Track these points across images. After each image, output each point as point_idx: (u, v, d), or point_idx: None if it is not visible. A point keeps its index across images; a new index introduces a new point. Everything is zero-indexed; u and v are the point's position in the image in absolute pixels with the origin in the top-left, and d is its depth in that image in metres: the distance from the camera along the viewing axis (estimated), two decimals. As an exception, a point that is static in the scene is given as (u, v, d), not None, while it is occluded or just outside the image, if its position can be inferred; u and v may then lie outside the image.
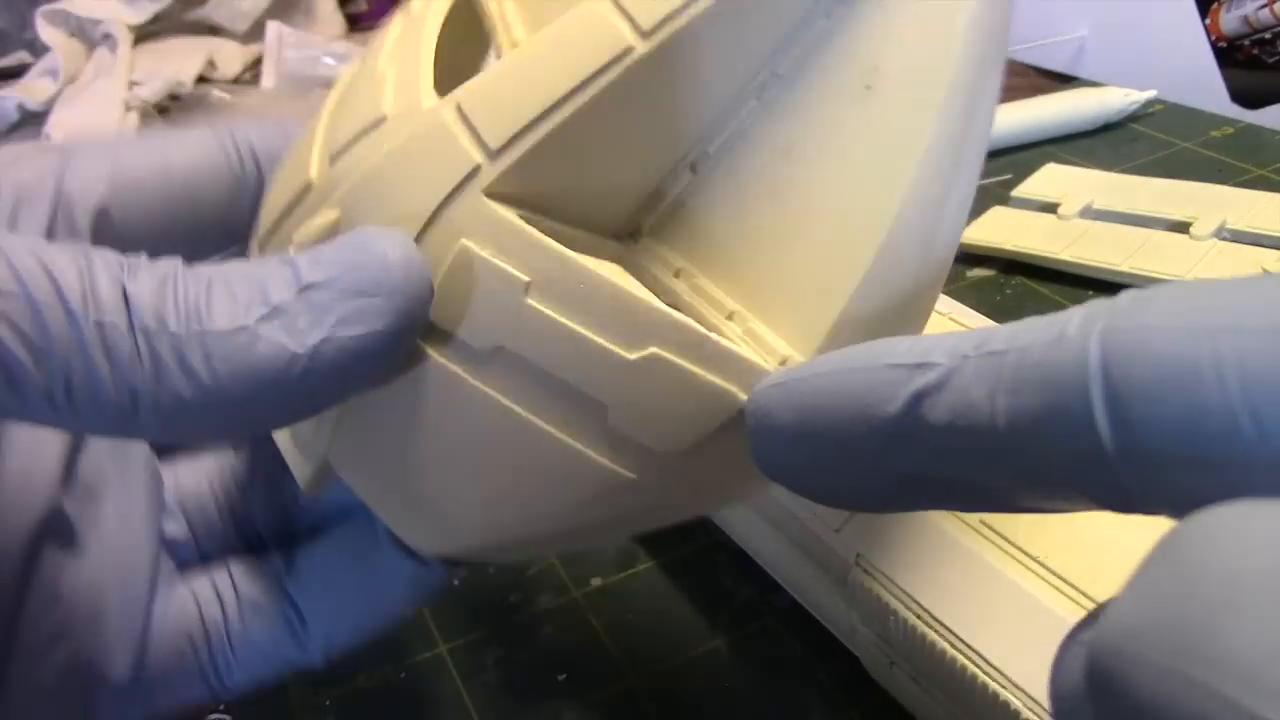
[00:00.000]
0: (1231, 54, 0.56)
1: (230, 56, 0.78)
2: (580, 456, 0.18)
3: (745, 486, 0.21)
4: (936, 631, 0.24)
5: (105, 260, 0.16)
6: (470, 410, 0.18)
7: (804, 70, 0.18)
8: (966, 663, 0.23)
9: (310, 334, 0.16)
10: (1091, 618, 0.13)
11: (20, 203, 0.21)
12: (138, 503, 0.23)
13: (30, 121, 0.71)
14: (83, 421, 0.16)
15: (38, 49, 0.77)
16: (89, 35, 0.75)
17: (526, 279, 0.17)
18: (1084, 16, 0.64)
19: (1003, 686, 0.22)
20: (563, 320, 0.17)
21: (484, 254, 0.17)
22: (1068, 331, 0.12)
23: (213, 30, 0.80)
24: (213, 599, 0.23)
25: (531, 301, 0.17)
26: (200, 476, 0.25)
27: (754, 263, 0.19)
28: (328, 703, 0.30)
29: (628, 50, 0.17)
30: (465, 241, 0.17)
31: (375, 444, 0.19)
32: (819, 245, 0.18)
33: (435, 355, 0.18)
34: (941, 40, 0.17)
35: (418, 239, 0.17)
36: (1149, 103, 0.57)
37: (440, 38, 0.20)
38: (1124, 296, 0.12)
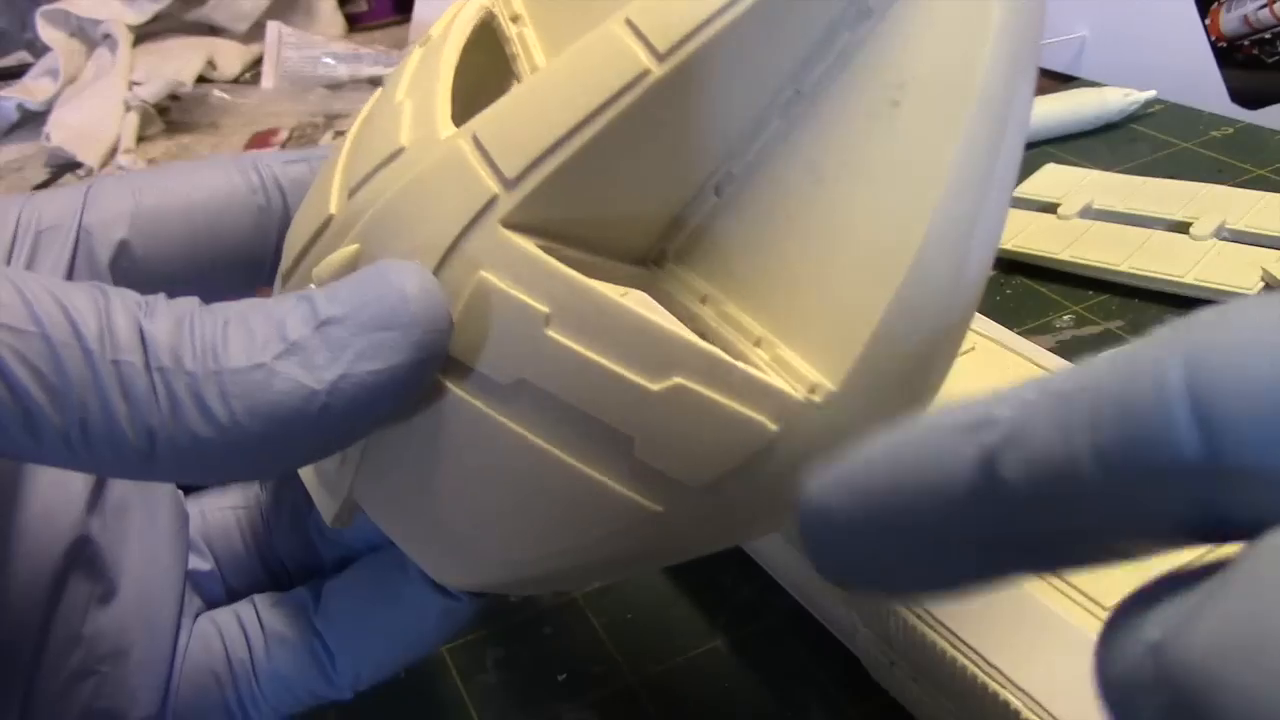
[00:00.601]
0: (1231, 54, 0.56)
1: (230, 56, 0.78)
2: (605, 490, 0.17)
3: (773, 519, 0.20)
4: (936, 631, 0.24)
5: (123, 299, 0.16)
6: (493, 444, 0.17)
7: (829, 87, 0.18)
8: (966, 663, 0.23)
9: (328, 370, 0.16)
10: (1142, 599, 0.12)
11: (41, 239, 0.21)
12: (163, 539, 0.23)
13: (30, 121, 0.71)
14: (100, 463, 0.16)
15: (38, 49, 0.77)
16: (89, 35, 0.75)
17: (546, 310, 0.16)
18: (1084, 16, 0.64)
19: (1002, 686, 0.22)
20: (584, 352, 0.16)
21: (502, 286, 0.17)
22: (1142, 358, 0.11)
23: (213, 30, 0.80)
24: (238, 635, 0.23)
25: (552, 333, 0.16)
26: (226, 512, 0.25)
27: (782, 287, 0.18)
28: (328, 703, 0.30)
29: (644, 74, 0.16)
30: (484, 273, 0.17)
31: (399, 479, 0.19)
32: (847, 267, 0.17)
33: (456, 389, 0.17)
34: (969, 52, 0.17)
35: (436, 271, 0.17)
36: (1149, 103, 0.57)
37: (464, 66, 0.20)
38: (1200, 315, 0.11)
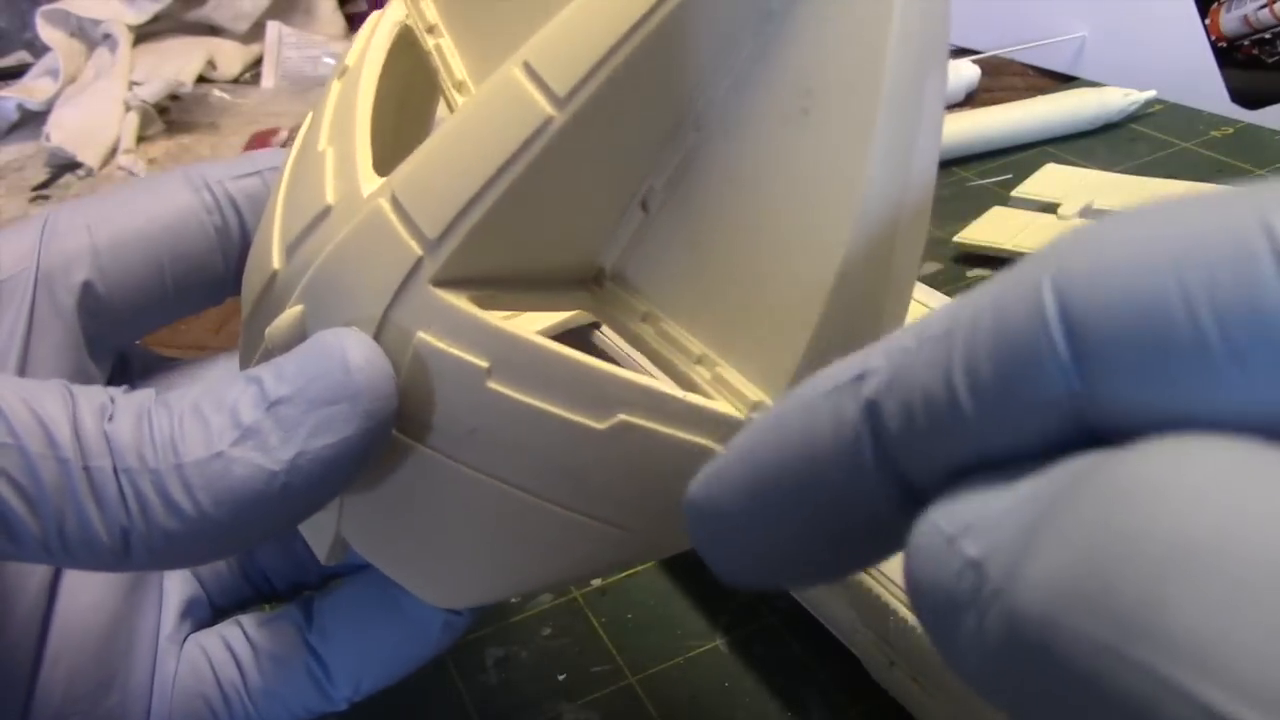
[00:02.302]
0: (1231, 54, 0.56)
1: (230, 56, 0.78)
2: (570, 520, 0.18)
3: None
4: (936, 631, 0.24)
5: (89, 401, 0.17)
6: (459, 490, 0.18)
7: (740, 96, 0.17)
8: (966, 663, 0.23)
9: (284, 450, 0.16)
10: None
11: (1, 290, 0.21)
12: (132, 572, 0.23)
13: (30, 121, 0.71)
14: (77, 562, 0.16)
15: (38, 49, 0.77)
16: (89, 35, 0.75)
17: (485, 365, 0.17)
18: (1084, 16, 0.64)
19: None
20: (528, 400, 0.17)
21: (440, 346, 0.17)
22: (1015, 287, 0.11)
23: (213, 30, 0.80)
24: (226, 658, 0.23)
25: (494, 385, 0.17)
26: None
27: (716, 301, 0.18)
28: (328, 703, 0.30)
29: (548, 121, 0.16)
30: (421, 335, 0.17)
31: (379, 522, 0.20)
32: (776, 278, 0.17)
33: (417, 444, 0.18)
34: (871, 50, 0.16)
35: (376, 336, 0.17)
36: (1149, 103, 0.57)
37: (390, 79, 0.20)
38: (1070, 236, 0.11)
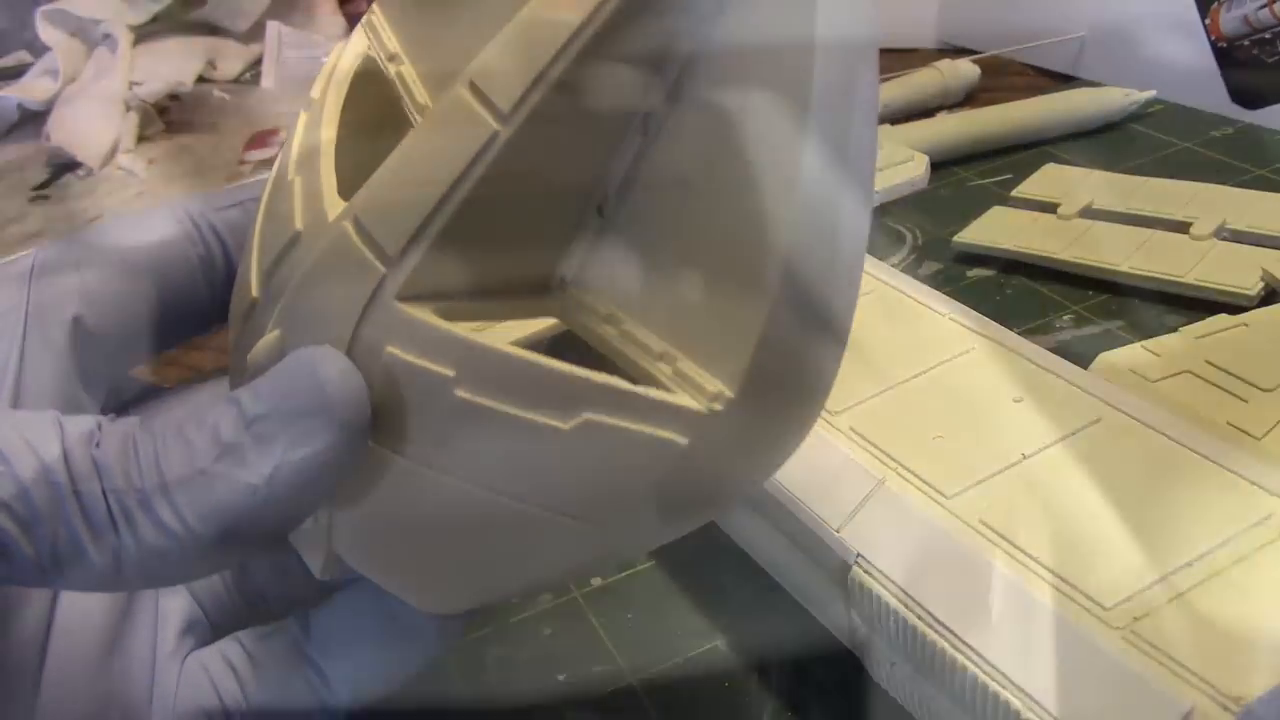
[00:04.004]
0: (1231, 54, 0.56)
1: (230, 56, 0.78)
2: (545, 520, 0.18)
3: (704, 513, 0.21)
4: (936, 631, 0.24)
5: (78, 429, 0.17)
6: (437, 497, 0.18)
7: (680, 97, 0.18)
8: (966, 663, 0.23)
9: (262, 464, 0.17)
10: None
11: None
12: (126, 593, 0.23)
13: (30, 121, 0.71)
14: (71, 584, 0.17)
15: (38, 49, 0.77)
16: (89, 35, 0.75)
17: (451, 373, 0.17)
18: (1084, 16, 0.64)
19: (1002, 686, 0.22)
20: (494, 405, 0.17)
21: (407, 358, 0.18)
22: None
23: (213, 30, 0.80)
24: (226, 672, 0.24)
25: (460, 394, 0.17)
26: None
27: (672, 299, 0.19)
28: (328, 703, 0.30)
29: (495, 135, 0.17)
30: (389, 349, 0.18)
31: (367, 535, 0.20)
32: (724, 275, 0.18)
33: (394, 455, 0.18)
34: (799, 49, 0.17)
35: (349, 352, 0.18)
36: (1149, 103, 0.57)
37: (360, 104, 0.21)
38: None
